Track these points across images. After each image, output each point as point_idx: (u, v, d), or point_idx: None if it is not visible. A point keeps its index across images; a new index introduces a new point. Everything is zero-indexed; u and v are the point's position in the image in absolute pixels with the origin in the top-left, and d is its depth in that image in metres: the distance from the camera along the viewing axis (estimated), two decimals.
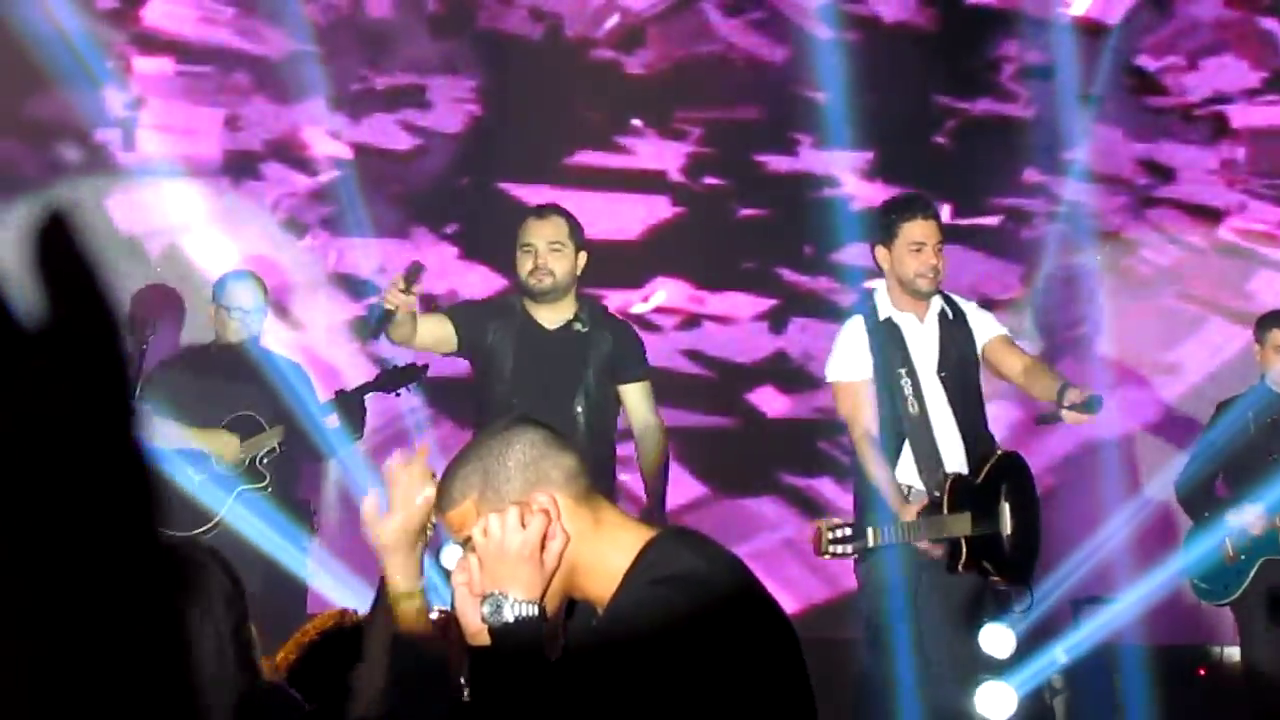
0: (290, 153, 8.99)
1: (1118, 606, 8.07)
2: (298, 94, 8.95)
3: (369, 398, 7.07)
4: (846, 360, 6.45)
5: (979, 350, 6.50)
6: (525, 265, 6.30)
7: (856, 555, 6.13)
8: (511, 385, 6.25)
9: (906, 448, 6.36)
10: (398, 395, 7.09)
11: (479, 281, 8.63)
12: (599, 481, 3.24)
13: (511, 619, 2.75)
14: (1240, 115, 9.09)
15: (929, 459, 6.33)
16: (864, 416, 6.29)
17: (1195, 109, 9.11)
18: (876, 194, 8.79)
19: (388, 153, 8.97)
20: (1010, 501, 6.28)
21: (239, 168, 8.95)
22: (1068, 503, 8.67)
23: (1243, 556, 7.26)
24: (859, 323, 6.48)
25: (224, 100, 8.98)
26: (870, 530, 6.01)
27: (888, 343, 6.38)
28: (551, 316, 6.36)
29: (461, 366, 6.67)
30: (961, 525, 6.10)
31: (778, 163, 9.11)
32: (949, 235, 6.49)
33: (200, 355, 7.45)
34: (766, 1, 9.16)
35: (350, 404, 7.03)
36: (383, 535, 3.10)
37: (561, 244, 6.28)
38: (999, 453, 6.39)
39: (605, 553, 2.83)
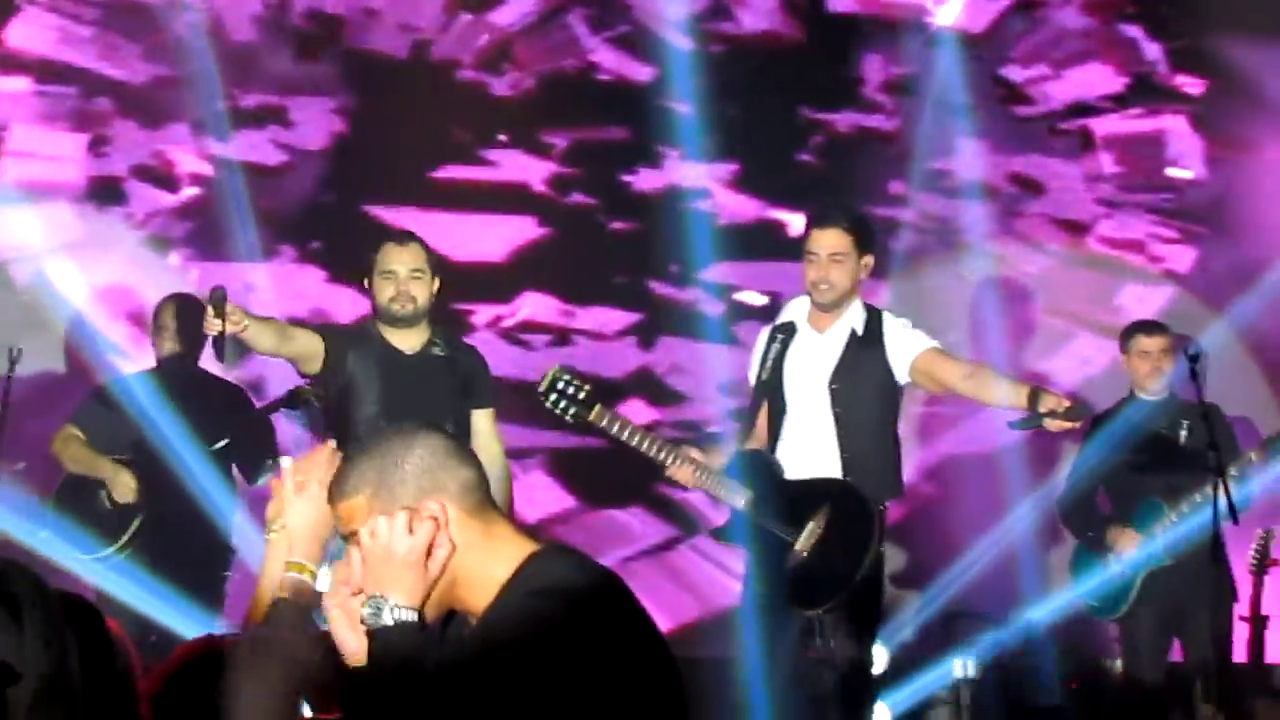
0: (154, 172, 8.92)
1: (1001, 620, 8.07)
2: (161, 115, 8.89)
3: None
4: (750, 365, 6.61)
5: (904, 371, 6.32)
6: (386, 291, 6.35)
7: (572, 419, 6.32)
8: (380, 408, 6.28)
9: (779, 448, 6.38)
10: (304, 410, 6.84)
11: (348, 305, 8.53)
12: None
13: (390, 622, 2.76)
14: (1105, 126, 9.14)
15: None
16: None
17: (1061, 119, 9.15)
18: (743, 206, 8.78)
19: (252, 172, 8.88)
20: (819, 524, 6.23)
21: (104, 192, 8.88)
22: (937, 518, 8.66)
23: (1126, 570, 7.26)
24: (765, 330, 6.60)
25: (88, 123, 8.90)
26: (599, 407, 6.28)
27: (773, 349, 6.43)
28: (409, 341, 6.42)
29: None
30: (735, 495, 6.24)
31: (644, 177, 9.09)
32: None
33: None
34: (631, 16, 9.15)
35: (258, 424, 7.02)
36: (290, 516, 3.17)
37: (422, 271, 6.37)
38: (836, 479, 6.28)
39: (488, 565, 2.83)
